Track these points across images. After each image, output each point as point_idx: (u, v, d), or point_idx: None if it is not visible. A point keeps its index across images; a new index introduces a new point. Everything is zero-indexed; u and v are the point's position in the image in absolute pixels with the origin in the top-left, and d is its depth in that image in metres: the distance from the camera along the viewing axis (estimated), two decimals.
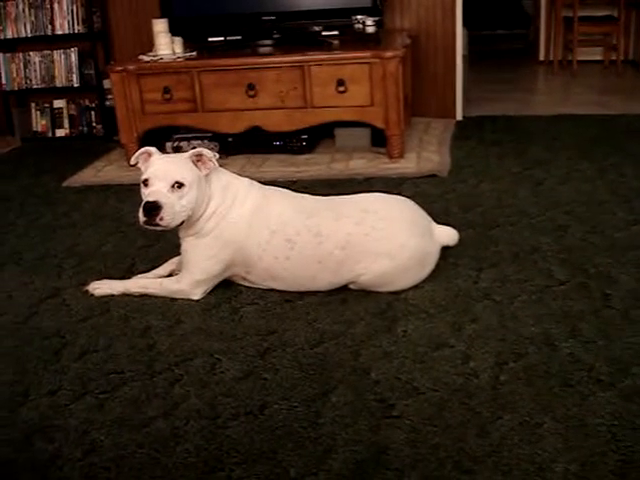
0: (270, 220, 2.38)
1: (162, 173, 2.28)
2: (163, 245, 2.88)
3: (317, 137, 4.30)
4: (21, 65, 4.93)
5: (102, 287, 2.52)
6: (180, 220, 2.30)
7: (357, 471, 1.60)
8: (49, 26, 4.80)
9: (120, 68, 4.07)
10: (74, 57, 4.85)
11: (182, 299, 2.43)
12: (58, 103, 5.02)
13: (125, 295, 2.48)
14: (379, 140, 4.04)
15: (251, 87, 3.96)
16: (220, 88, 4.00)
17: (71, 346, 2.19)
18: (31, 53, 4.89)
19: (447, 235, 2.56)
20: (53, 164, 4.39)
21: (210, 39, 4.40)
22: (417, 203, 2.55)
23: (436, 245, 2.49)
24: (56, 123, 5.04)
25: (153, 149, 2.38)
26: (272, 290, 2.44)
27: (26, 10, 4.81)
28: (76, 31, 4.79)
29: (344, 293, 2.40)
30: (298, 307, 2.34)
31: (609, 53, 6.61)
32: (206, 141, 4.20)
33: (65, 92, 4.97)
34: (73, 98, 5.01)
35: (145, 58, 4.14)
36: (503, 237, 2.80)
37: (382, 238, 2.33)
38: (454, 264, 2.57)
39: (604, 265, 2.50)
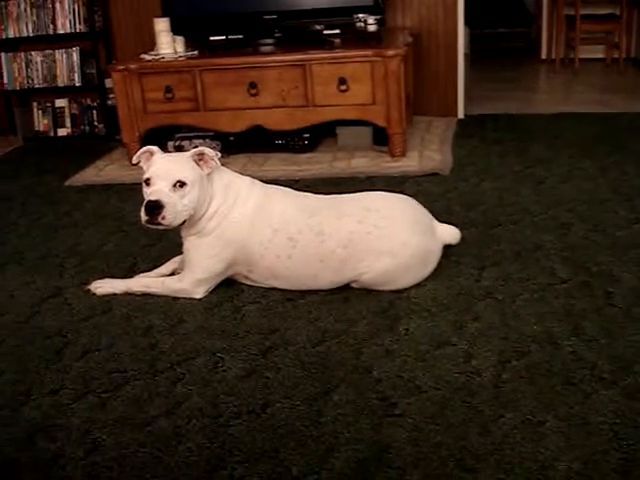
0: (272, 219, 2.38)
1: (164, 172, 2.27)
2: (165, 244, 2.88)
3: (319, 136, 4.29)
4: (23, 65, 4.92)
5: (104, 286, 2.52)
6: (182, 219, 2.29)
7: (359, 470, 1.60)
8: (51, 25, 4.79)
9: (122, 67, 4.07)
10: (76, 56, 4.85)
11: (184, 298, 2.43)
12: (60, 102, 5.02)
13: (127, 294, 2.48)
14: (381, 139, 4.03)
15: (253, 86, 3.96)
16: (222, 87, 4.00)
17: (73, 345, 2.20)
18: (33, 53, 4.88)
19: (449, 233, 2.56)
20: (55, 163, 4.39)
21: (212, 38, 4.39)
22: (419, 201, 2.55)
23: (438, 243, 2.48)
24: (58, 122, 5.04)
25: (155, 148, 2.38)
26: (274, 289, 2.44)
27: (28, 10, 4.81)
28: (78, 30, 4.79)
29: (346, 292, 2.40)
30: (300, 306, 2.34)
31: (611, 51, 6.61)
32: (208, 140, 4.20)
33: (67, 91, 4.97)
34: (75, 97, 5.01)
35: (147, 57, 4.14)
36: (505, 235, 2.80)
37: (384, 236, 2.32)
38: (456, 262, 2.56)
39: (606, 263, 2.50)
